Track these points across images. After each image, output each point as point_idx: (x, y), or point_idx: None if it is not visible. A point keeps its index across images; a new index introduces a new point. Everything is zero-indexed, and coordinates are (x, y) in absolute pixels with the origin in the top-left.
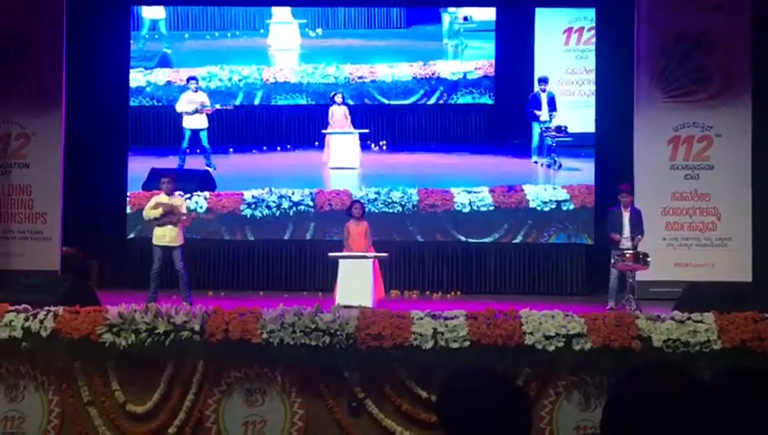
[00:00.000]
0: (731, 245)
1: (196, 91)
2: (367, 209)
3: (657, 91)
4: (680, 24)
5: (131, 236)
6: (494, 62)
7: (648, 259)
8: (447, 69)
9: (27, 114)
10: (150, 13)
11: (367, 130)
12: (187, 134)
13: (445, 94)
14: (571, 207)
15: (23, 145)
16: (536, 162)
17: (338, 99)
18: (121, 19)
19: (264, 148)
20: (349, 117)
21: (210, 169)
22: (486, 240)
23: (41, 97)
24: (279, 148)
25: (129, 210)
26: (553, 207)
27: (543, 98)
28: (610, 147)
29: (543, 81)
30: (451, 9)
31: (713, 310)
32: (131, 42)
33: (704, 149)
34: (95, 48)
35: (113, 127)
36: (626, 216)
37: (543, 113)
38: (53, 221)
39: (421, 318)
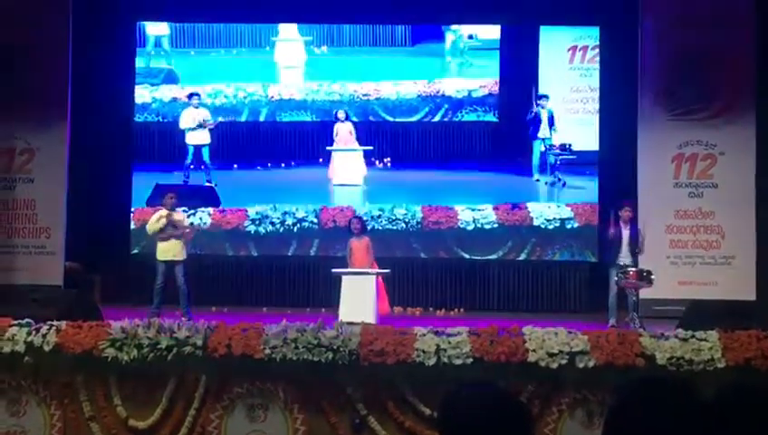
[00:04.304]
0: (735, 263)
1: (198, 107)
2: (371, 226)
3: (660, 109)
4: (685, 41)
5: (135, 251)
6: (498, 80)
7: (652, 277)
8: (452, 87)
9: (32, 129)
10: (154, 29)
11: (371, 148)
12: (191, 150)
13: (449, 112)
14: (575, 225)
15: (27, 160)
16: (537, 180)
17: (341, 115)
18: (126, 35)
19: (269, 164)
20: (354, 133)
21: (212, 185)
22: (490, 257)
23: (46, 112)
24: (283, 164)
25: (133, 226)
26: (557, 225)
27: (544, 115)
28: (614, 165)
29: (543, 97)
30: (455, 27)
31: (716, 328)
32: (136, 58)
33: (708, 168)
34: (100, 63)
35: (118, 142)
36: (625, 233)
37: (544, 130)
38: (57, 236)
39: (424, 334)
